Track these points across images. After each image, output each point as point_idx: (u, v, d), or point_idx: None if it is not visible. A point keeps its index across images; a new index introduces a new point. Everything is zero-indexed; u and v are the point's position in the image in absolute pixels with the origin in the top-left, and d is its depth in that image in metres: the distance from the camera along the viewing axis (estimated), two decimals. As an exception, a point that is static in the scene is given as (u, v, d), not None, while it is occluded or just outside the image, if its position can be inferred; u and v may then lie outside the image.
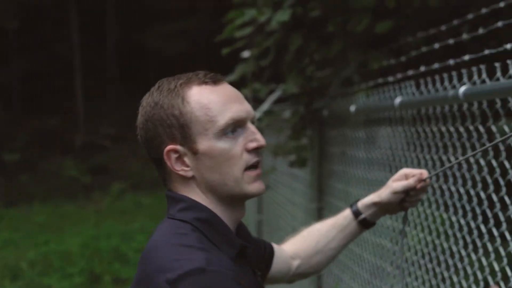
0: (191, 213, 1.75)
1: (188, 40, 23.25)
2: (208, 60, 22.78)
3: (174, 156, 1.76)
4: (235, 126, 1.76)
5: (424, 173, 2.25)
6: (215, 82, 1.80)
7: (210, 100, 1.75)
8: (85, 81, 23.98)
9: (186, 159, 1.76)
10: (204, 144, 1.74)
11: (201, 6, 24.27)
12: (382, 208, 2.31)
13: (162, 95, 1.79)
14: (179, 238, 1.70)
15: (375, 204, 2.30)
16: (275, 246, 2.31)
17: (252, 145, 1.78)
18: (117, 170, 20.50)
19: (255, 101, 6.77)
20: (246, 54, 5.83)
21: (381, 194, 2.29)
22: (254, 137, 1.79)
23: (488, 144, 2.19)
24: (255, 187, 1.81)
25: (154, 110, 1.78)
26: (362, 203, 2.34)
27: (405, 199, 2.27)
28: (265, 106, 6.94)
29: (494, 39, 4.65)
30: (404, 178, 2.26)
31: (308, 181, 5.59)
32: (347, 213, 2.35)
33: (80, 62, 23.97)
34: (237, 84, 5.72)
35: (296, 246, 2.38)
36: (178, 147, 1.76)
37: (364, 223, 2.33)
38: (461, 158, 2.20)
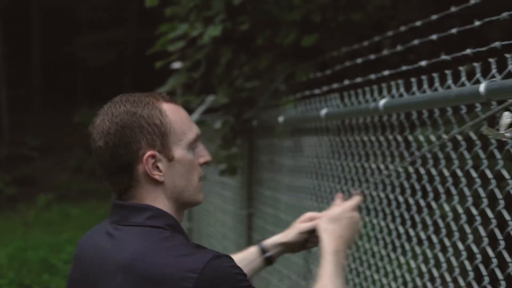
0: (161, 220, 1.90)
1: (115, 50, 23.21)
2: (135, 70, 22.78)
3: (151, 161, 1.90)
4: (196, 141, 1.99)
5: None
6: (176, 102, 2.01)
7: (181, 116, 1.96)
8: (10, 92, 23.66)
9: (160, 165, 1.92)
10: (178, 152, 1.93)
11: (128, 17, 24.28)
12: (288, 247, 2.50)
13: (138, 107, 1.93)
14: (169, 241, 1.84)
15: (281, 244, 2.49)
16: None
17: (203, 159, 2.00)
18: (43, 181, 20.30)
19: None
20: (176, 65, 5.99)
21: (288, 235, 2.49)
22: (204, 152, 2.02)
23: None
24: (202, 196, 2.05)
25: (133, 118, 1.91)
26: (269, 242, 2.53)
27: (308, 240, 2.50)
28: (195, 116, 7.10)
29: (412, 54, 4.93)
30: (309, 220, 2.48)
31: (238, 189, 5.77)
32: (254, 249, 2.53)
33: (4, 72, 23.65)
34: (169, 95, 5.86)
35: None
36: (156, 153, 1.91)
37: (268, 260, 2.52)
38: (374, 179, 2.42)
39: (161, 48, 5.32)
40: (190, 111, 7.10)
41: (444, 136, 2.54)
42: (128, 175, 1.91)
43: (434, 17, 2.93)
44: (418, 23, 3.09)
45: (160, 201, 1.94)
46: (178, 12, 5.15)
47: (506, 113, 1.76)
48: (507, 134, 1.77)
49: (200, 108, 7.00)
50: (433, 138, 2.71)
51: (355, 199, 2.27)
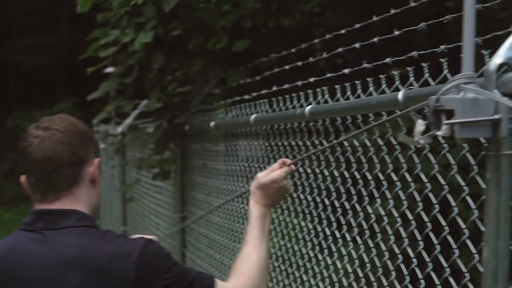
0: (89, 221, 2.13)
1: (49, 54, 22.94)
2: (69, 74, 22.55)
3: (97, 165, 2.18)
4: None
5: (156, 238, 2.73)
6: None
7: None
8: None
9: (97, 172, 2.18)
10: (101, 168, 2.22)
11: (61, 20, 24.02)
12: None
13: (84, 123, 2.22)
14: (107, 236, 2.08)
15: None
16: None
17: None
18: (-25, 186, 19.96)
19: (120, 117, 6.93)
20: (110, 69, 6.00)
21: None
22: None
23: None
24: None
25: (87, 129, 2.21)
26: None
27: None
28: (128, 121, 7.11)
29: (339, 59, 5.04)
30: None
31: (171, 192, 5.81)
32: None
33: None
34: (102, 100, 5.89)
35: None
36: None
37: None
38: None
39: (93, 54, 5.33)
40: (124, 115, 7.12)
41: (334, 141, 2.75)
42: (79, 171, 2.13)
43: (357, 25, 3.03)
44: (343, 31, 3.19)
45: (86, 204, 2.16)
46: (109, 18, 5.16)
47: (420, 121, 1.85)
48: (421, 141, 1.86)
49: (133, 113, 7.02)
50: (356, 143, 2.81)
51: (287, 169, 2.36)
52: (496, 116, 1.73)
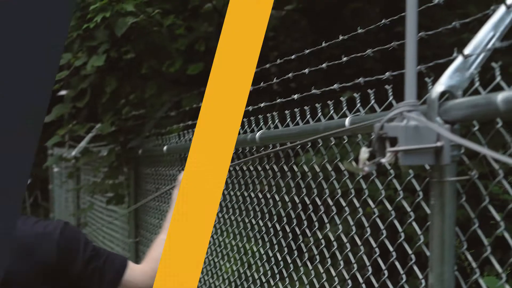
0: None
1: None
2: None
3: None
4: None
5: None
6: None
7: None
8: None
9: None
10: None
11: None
12: None
13: None
14: (30, 219, 2.28)
15: None
16: None
17: None
18: None
19: (74, 140, 6.88)
20: (63, 92, 5.96)
21: None
22: None
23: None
24: None
25: None
26: None
27: None
28: (82, 144, 7.07)
29: (292, 83, 5.06)
30: None
31: (125, 217, 5.77)
32: None
33: None
34: (57, 122, 5.84)
35: None
36: None
37: None
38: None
39: (45, 77, 5.28)
40: (80, 138, 7.06)
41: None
42: None
43: (307, 51, 3.05)
44: (293, 56, 3.21)
45: None
46: (62, 41, 5.12)
47: (363, 149, 1.85)
48: (366, 168, 1.87)
49: (87, 136, 6.97)
50: (305, 168, 2.82)
51: None
52: (438, 144, 1.75)
